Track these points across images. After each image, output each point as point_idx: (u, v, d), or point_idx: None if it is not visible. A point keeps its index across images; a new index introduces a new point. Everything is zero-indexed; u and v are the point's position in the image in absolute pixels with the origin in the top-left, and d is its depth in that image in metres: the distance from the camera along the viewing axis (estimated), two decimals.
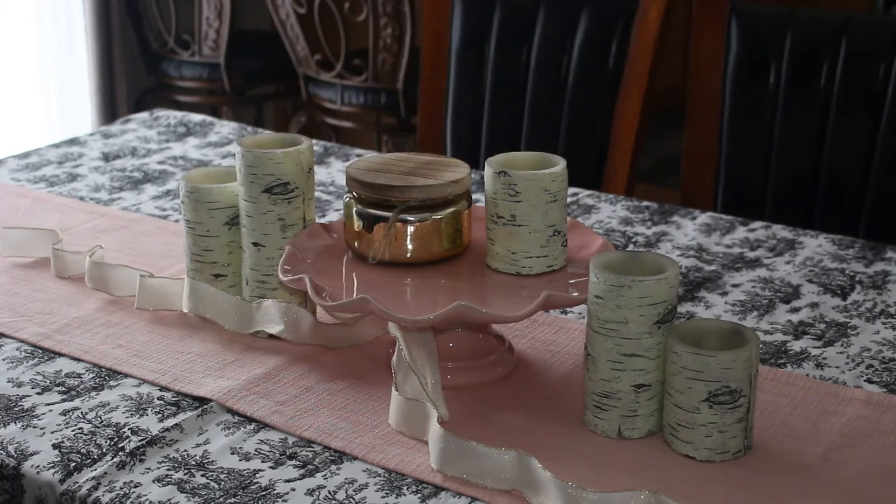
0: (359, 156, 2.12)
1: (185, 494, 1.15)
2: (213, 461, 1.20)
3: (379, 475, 1.18)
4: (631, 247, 1.71)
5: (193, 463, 1.20)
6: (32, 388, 1.34)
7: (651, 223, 1.81)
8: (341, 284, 1.34)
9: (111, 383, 1.35)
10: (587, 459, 1.18)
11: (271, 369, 1.36)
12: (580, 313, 1.50)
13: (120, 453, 1.21)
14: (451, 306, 1.21)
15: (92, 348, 1.42)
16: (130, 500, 1.14)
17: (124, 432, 1.25)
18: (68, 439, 1.24)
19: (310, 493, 1.15)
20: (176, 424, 1.26)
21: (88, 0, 3.76)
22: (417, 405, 1.22)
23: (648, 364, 1.19)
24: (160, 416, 1.28)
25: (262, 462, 1.20)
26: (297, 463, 1.20)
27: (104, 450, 1.22)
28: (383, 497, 1.14)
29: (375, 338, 1.42)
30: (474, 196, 1.81)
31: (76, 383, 1.35)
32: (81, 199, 1.90)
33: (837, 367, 1.37)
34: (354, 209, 1.36)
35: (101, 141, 2.19)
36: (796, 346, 1.43)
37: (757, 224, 1.79)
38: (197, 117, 2.32)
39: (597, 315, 1.19)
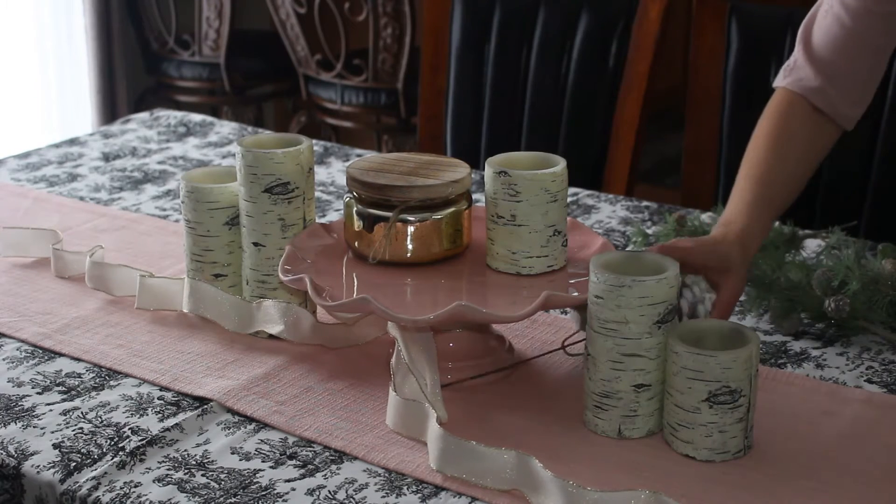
0: (359, 156, 2.12)
1: (185, 494, 1.15)
2: (213, 461, 1.20)
3: (379, 475, 1.18)
4: (631, 247, 1.71)
5: (194, 463, 1.20)
6: (32, 387, 1.34)
7: (651, 223, 1.81)
8: (341, 284, 1.34)
9: (111, 383, 1.35)
10: (587, 459, 1.18)
11: (271, 369, 1.36)
12: None
13: (120, 453, 1.21)
14: (451, 306, 1.21)
15: (92, 348, 1.42)
16: (130, 499, 1.14)
17: (124, 432, 1.25)
18: (68, 439, 1.24)
19: (310, 492, 1.15)
20: (176, 424, 1.26)
21: (88, 0, 3.76)
22: (416, 406, 1.22)
23: (648, 364, 1.19)
24: (160, 415, 1.28)
25: (263, 462, 1.20)
26: (298, 463, 1.20)
27: (104, 450, 1.22)
28: (383, 497, 1.14)
29: (375, 338, 1.42)
30: (474, 196, 1.81)
31: (76, 383, 1.35)
32: (81, 199, 1.90)
33: (837, 368, 1.37)
34: (355, 209, 1.36)
35: (101, 141, 2.19)
36: (796, 346, 1.43)
37: None
38: (197, 117, 2.32)
39: (597, 315, 1.19)
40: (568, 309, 1.36)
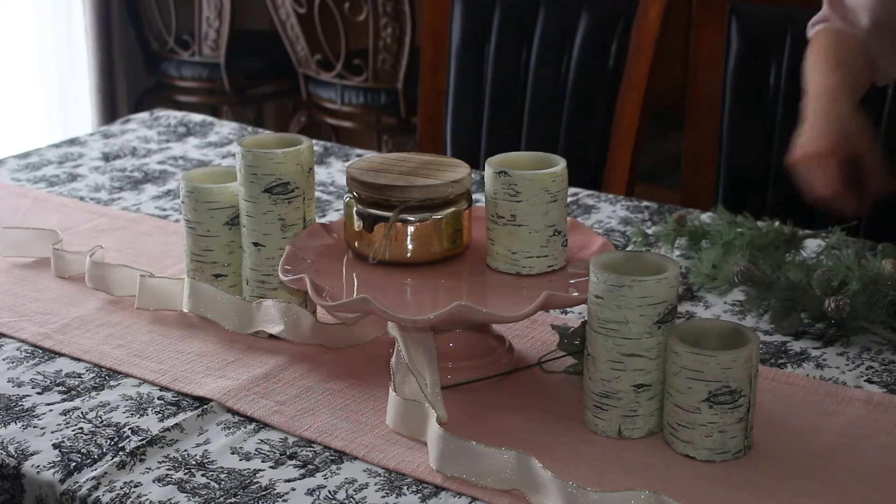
0: (359, 156, 2.12)
1: (185, 494, 1.15)
2: (213, 461, 1.20)
3: (379, 475, 1.18)
4: (631, 247, 1.71)
5: (194, 463, 1.20)
6: (32, 388, 1.34)
7: (651, 223, 1.81)
8: (341, 284, 1.34)
9: (111, 383, 1.35)
10: (587, 459, 1.18)
11: (271, 369, 1.36)
12: (580, 313, 1.50)
13: (120, 453, 1.21)
14: (451, 306, 1.21)
15: (92, 348, 1.42)
16: (131, 499, 1.14)
17: (124, 432, 1.25)
18: (68, 439, 1.24)
19: (310, 492, 1.15)
20: (176, 424, 1.26)
21: (88, 0, 3.76)
22: (415, 406, 1.22)
23: (648, 364, 1.19)
24: (160, 415, 1.28)
25: (263, 462, 1.20)
26: (298, 463, 1.20)
27: (104, 450, 1.22)
28: (383, 497, 1.14)
29: (375, 338, 1.42)
30: (474, 196, 1.81)
31: (76, 383, 1.35)
32: (81, 199, 1.90)
33: (837, 368, 1.37)
34: (355, 209, 1.36)
35: (101, 141, 2.19)
36: (796, 346, 1.43)
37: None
38: (197, 117, 2.32)
39: (597, 315, 1.19)
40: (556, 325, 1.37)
